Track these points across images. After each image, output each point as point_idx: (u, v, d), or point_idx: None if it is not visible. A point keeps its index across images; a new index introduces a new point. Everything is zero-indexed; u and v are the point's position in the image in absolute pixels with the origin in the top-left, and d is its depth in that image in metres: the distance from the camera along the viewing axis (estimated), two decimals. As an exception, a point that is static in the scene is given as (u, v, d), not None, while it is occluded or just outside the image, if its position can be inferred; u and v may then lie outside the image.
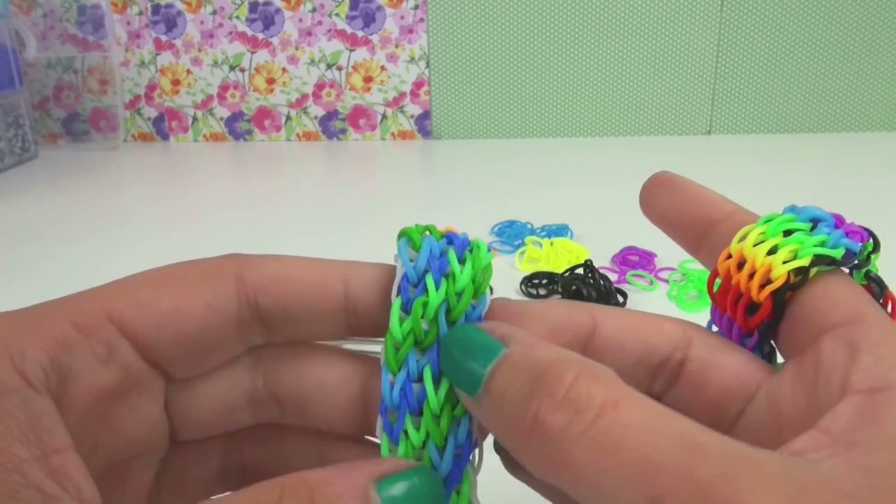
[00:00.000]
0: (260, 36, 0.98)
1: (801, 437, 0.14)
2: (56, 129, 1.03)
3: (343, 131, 1.01)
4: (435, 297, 0.17)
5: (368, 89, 0.99)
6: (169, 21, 0.98)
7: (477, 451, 0.18)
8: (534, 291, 0.52)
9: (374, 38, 0.97)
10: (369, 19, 0.96)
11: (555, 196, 0.75)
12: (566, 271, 0.52)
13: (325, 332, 0.19)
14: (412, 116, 0.99)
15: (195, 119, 1.02)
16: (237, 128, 1.02)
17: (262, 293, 0.18)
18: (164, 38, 0.99)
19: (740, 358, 0.19)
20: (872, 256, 0.19)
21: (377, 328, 0.19)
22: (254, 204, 0.77)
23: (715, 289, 0.19)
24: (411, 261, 0.18)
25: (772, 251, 0.18)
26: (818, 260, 0.18)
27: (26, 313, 0.16)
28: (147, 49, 1.00)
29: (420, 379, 0.17)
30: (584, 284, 0.49)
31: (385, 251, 0.64)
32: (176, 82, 1.01)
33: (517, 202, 0.73)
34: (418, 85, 0.98)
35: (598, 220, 0.66)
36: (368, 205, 0.76)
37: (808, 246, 0.18)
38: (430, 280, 0.17)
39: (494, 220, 0.65)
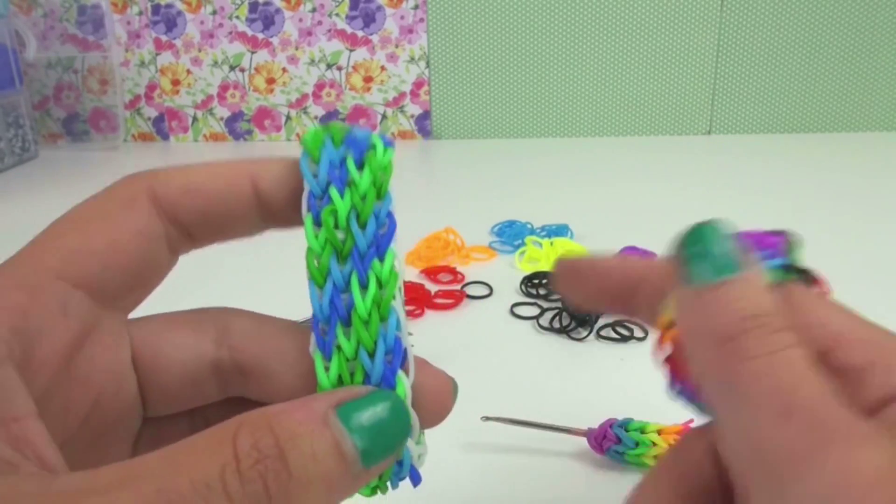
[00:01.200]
0: (260, 36, 0.98)
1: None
2: (56, 129, 1.03)
3: (343, 131, 1.01)
4: (342, 206, 0.18)
5: (368, 89, 0.99)
6: (169, 21, 0.98)
7: (410, 358, 0.18)
8: (534, 291, 0.52)
9: (374, 38, 0.97)
10: (369, 19, 0.96)
11: (555, 196, 0.75)
12: (566, 271, 0.52)
13: (243, 230, 0.20)
14: (412, 116, 0.99)
15: (195, 119, 1.02)
16: (237, 128, 1.02)
17: (179, 206, 0.18)
18: (164, 38, 0.99)
19: None
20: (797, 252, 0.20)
21: (291, 220, 0.19)
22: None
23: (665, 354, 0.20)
24: (314, 176, 0.18)
25: None
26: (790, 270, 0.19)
27: None
28: (147, 49, 1.00)
29: (347, 289, 0.18)
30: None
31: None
32: (176, 82, 1.01)
33: (517, 202, 0.73)
34: (418, 85, 0.98)
35: (598, 219, 0.66)
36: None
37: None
38: (333, 191, 0.18)
39: (494, 220, 0.65)
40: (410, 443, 0.17)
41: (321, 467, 0.15)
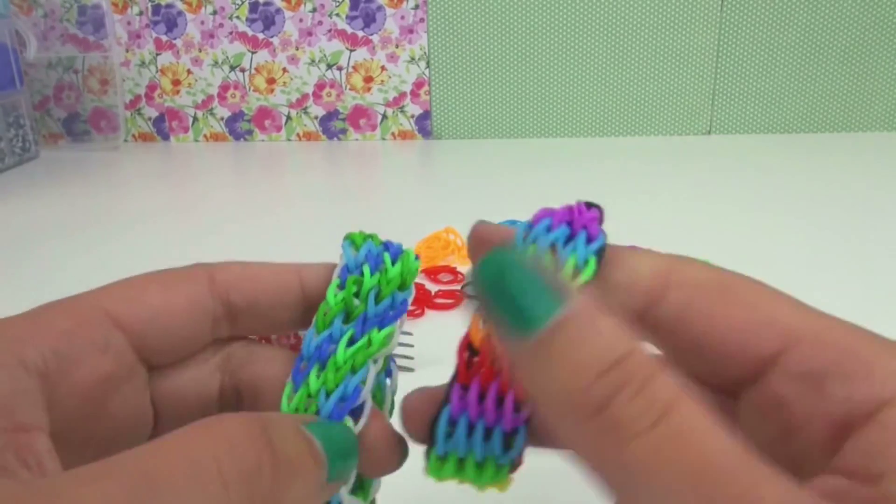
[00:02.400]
0: (260, 36, 0.98)
1: (814, 483, 0.13)
2: (57, 129, 1.04)
3: (343, 131, 1.01)
4: (368, 280, 0.20)
5: (369, 89, 0.99)
6: (169, 21, 0.98)
7: (366, 411, 0.19)
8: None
9: (375, 38, 0.97)
10: (369, 19, 0.96)
11: (555, 196, 0.75)
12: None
13: (284, 322, 0.21)
14: (412, 116, 0.99)
15: (195, 119, 1.02)
16: (237, 128, 1.02)
17: (233, 290, 0.20)
18: (164, 38, 0.99)
19: (742, 313, 0.17)
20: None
21: None
22: (254, 204, 0.77)
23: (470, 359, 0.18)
24: (353, 255, 0.21)
25: None
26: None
27: (30, 314, 0.17)
28: (147, 49, 1.00)
29: (338, 341, 0.19)
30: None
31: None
32: (176, 82, 1.01)
33: (517, 202, 0.73)
34: (418, 85, 0.98)
35: (599, 219, 0.66)
36: (368, 205, 0.76)
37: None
38: (366, 269, 0.20)
39: (494, 220, 0.65)
40: (344, 492, 0.18)
41: (301, 464, 0.15)
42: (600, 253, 0.17)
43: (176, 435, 0.14)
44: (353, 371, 0.19)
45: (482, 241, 0.19)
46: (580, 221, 0.18)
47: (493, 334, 0.15)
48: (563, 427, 0.14)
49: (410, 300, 0.21)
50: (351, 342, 0.19)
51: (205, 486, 0.13)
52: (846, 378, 0.14)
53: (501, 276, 0.14)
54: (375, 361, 0.19)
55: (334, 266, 0.21)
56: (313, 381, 0.19)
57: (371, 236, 0.21)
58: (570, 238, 0.17)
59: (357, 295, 0.20)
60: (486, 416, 0.17)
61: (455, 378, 0.17)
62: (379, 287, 0.20)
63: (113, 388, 0.18)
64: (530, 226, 0.18)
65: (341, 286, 0.20)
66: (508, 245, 0.15)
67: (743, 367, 0.16)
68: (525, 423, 0.17)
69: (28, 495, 0.13)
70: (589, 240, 0.17)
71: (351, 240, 0.21)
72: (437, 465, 0.18)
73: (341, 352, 0.19)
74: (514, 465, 0.18)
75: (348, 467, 0.17)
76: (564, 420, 0.13)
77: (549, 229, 0.18)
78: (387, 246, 0.21)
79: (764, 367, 0.15)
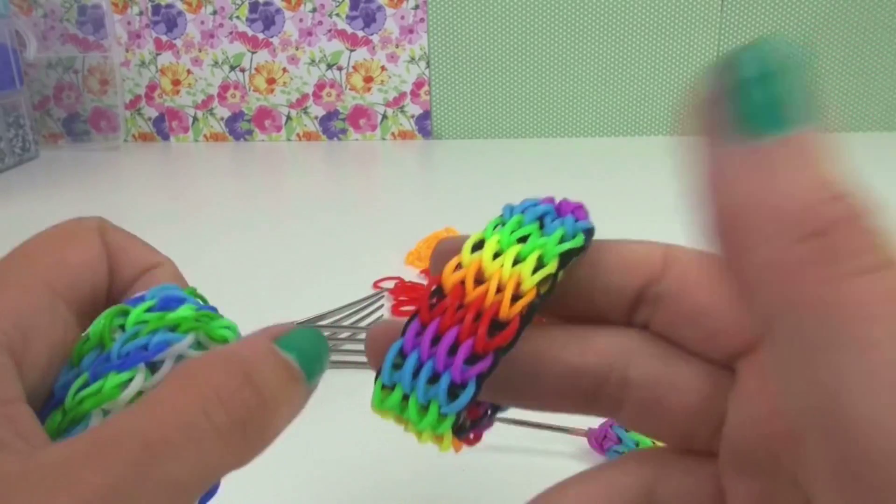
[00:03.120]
0: (260, 36, 0.98)
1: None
2: (56, 129, 1.04)
3: (343, 131, 1.01)
4: (136, 313, 0.18)
5: (369, 89, 0.99)
6: (169, 21, 0.98)
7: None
8: (534, 291, 0.52)
9: (375, 38, 0.97)
10: (369, 19, 0.96)
11: (555, 196, 0.75)
12: (566, 271, 0.52)
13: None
14: (412, 116, 0.99)
15: (195, 119, 1.02)
16: (237, 128, 1.02)
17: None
18: (164, 38, 0.99)
19: (692, 367, 0.17)
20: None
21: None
22: (254, 204, 0.77)
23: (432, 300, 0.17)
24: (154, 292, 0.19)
25: (515, 261, 0.17)
26: (565, 258, 0.17)
27: None
28: (147, 49, 1.00)
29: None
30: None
31: (384, 250, 0.64)
32: (176, 82, 1.01)
33: (517, 202, 0.73)
34: (418, 85, 0.98)
35: (598, 220, 0.65)
36: (369, 205, 0.76)
37: (551, 247, 0.17)
38: (144, 304, 0.19)
39: (495, 220, 0.65)
40: None
41: (286, 392, 0.16)
42: (588, 232, 0.18)
43: (162, 394, 0.15)
44: (74, 421, 0.16)
45: (444, 257, 0.18)
46: (567, 208, 0.18)
47: (705, 136, 0.12)
48: (763, 247, 0.11)
49: (178, 347, 0.17)
50: (86, 385, 0.17)
51: (201, 443, 0.14)
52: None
53: (775, 61, 0.12)
54: (106, 412, 0.17)
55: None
56: (53, 420, 0.17)
57: (196, 294, 0.19)
58: (557, 217, 0.18)
59: (121, 328, 0.18)
60: (436, 360, 0.16)
61: (415, 314, 0.17)
62: (144, 325, 0.17)
63: (66, 352, 0.18)
64: (513, 209, 0.18)
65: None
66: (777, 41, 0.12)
67: (743, 336, 0.16)
68: (476, 380, 0.16)
69: (30, 477, 0.13)
70: (576, 220, 0.18)
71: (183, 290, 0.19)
72: (382, 396, 0.17)
73: (69, 398, 0.17)
74: (462, 426, 0.17)
75: (323, 366, 0.17)
76: (770, 240, 0.11)
77: (536, 205, 0.18)
78: (210, 307, 0.19)
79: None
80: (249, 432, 0.15)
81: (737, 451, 0.16)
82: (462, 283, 0.17)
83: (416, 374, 0.16)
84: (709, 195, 0.12)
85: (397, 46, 0.97)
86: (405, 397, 0.17)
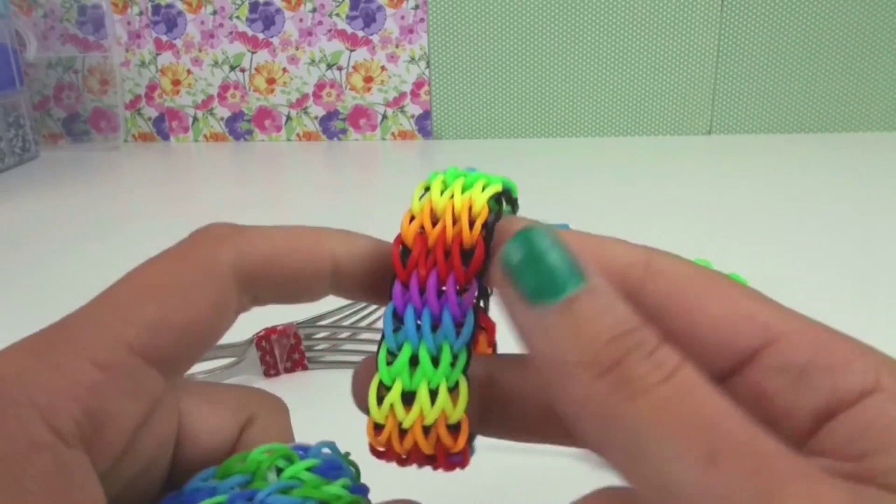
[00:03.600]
0: (260, 36, 0.98)
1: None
2: (56, 129, 1.04)
3: (343, 131, 1.01)
4: (296, 466, 0.18)
5: (369, 89, 0.99)
6: (169, 21, 0.98)
7: None
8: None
9: (375, 38, 0.97)
10: (369, 19, 0.96)
11: (555, 196, 0.75)
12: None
13: (309, 299, 0.19)
14: (412, 116, 0.99)
15: (195, 119, 1.02)
16: (237, 128, 1.02)
17: (258, 280, 0.18)
18: (164, 38, 0.99)
19: (722, 307, 0.17)
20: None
21: (358, 296, 0.20)
22: (254, 204, 0.77)
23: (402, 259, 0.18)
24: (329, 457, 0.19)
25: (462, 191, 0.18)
26: (506, 187, 0.18)
27: (40, 352, 0.15)
28: (147, 49, 1.00)
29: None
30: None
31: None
32: (176, 82, 1.01)
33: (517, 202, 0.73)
34: (418, 85, 0.98)
35: (599, 219, 0.66)
36: (369, 205, 0.76)
37: (493, 176, 0.18)
38: (313, 461, 0.18)
39: (495, 220, 0.65)
40: None
41: None
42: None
43: None
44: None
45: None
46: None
47: (507, 307, 0.15)
48: (573, 387, 0.14)
49: None
50: None
51: None
52: (828, 370, 0.15)
53: (534, 246, 0.15)
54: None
55: (371, 242, 0.19)
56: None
57: (350, 462, 0.19)
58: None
59: (278, 470, 0.17)
60: (430, 306, 0.17)
61: (393, 278, 0.18)
62: (299, 483, 0.17)
63: (145, 427, 0.16)
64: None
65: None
66: (535, 225, 0.15)
67: (722, 361, 0.16)
68: (472, 308, 0.17)
69: None
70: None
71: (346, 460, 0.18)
72: (388, 366, 0.17)
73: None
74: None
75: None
76: (576, 380, 0.14)
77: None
78: (361, 487, 0.18)
79: (743, 362, 0.16)
80: None
81: None
82: (421, 230, 0.17)
83: (418, 326, 0.17)
84: (525, 349, 0.15)
85: (397, 46, 0.97)
86: (413, 359, 0.17)
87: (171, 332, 0.16)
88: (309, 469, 0.17)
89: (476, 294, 0.17)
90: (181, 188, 0.85)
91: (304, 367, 0.43)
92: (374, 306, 0.48)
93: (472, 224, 0.17)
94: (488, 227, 0.17)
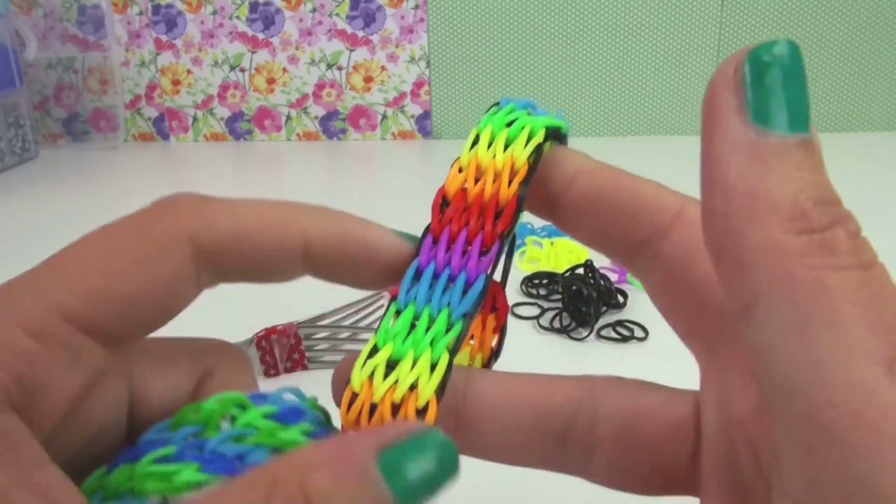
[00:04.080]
0: (260, 36, 0.98)
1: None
2: (56, 129, 1.03)
3: (343, 131, 1.01)
4: (250, 413, 0.17)
5: (369, 89, 0.99)
6: (169, 21, 0.98)
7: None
8: (534, 291, 0.52)
9: (375, 38, 0.97)
10: (369, 19, 0.96)
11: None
12: (566, 271, 0.52)
13: (280, 278, 0.18)
14: (412, 116, 0.99)
15: (195, 119, 1.02)
16: (237, 128, 1.02)
17: (222, 255, 0.17)
18: (164, 38, 0.99)
19: (660, 394, 0.17)
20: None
21: (333, 277, 0.18)
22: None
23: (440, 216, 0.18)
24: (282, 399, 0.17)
25: (506, 145, 0.18)
26: (549, 133, 0.18)
27: None
28: (147, 49, 1.00)
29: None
30: (585, 284, 0.49)
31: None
32: (176, 82, 1.01)
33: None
34: (418, 85, 0.98)
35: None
36: (369, 205, 0.76)
37: (538, 123, 0.18)
38: (264, 407, 0.17)
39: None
40: None
41: (332, 471, 0.13)
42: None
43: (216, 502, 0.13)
44: (132, 493, 0.15)
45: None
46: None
47: (712, 114, 0.13)
48: (764, 232, 0.13)
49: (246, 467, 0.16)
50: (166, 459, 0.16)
51: None
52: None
53: (794, 65, 0.13)
54: (165, 501, 0.16)
55: (345, 220, 0.19)
56: (121, 474, 0.16)
57: (316, 407, 0.17)
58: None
59: (232, 419, 0.16)
60: (451, 264, 0.17)
61: (427, 230, 0.18)
62: (253, 431, 0.16)
63: (85, 398, 0.16)
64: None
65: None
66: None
67: (722, 322, 0.16)
68: (486, 275, 0.17)
69: None
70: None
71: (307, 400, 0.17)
72: (388, 329, 0.17)
73: (144, 462, 0.16)
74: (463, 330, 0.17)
75: (435, 489, 0.14)
76: (773, 226, 0.12)
77: (527, 102, 0.18)
78: (327, 429, 0.17)
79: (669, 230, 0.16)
80: None
81: (720, 464, 0.16)
82: (463, 186, 0.18)
83: (432, 285, 0.17)
84: (709, 176, 0.14)
85: (397, 46, 0.97)
86: (415, 318, 0.17)
87: (113, 302, 0.15)
88: (266, 416, 0.16)
89: (497, 254, 0.17)
90: (181, 188, 0.84)
91: (304, 367, 0.43)
92: (374, 306, 0.48)
93: (510, 181, 0.17)
94: (526, 182, 0.17)
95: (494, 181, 0.17)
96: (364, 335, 0.45)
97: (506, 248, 0.18)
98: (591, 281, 0.49)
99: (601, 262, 0.56)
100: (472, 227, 0.17)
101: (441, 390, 0.16)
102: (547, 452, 0.18)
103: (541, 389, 0.17)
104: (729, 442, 0.16)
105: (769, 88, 0.13)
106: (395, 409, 0.16)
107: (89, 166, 0.93)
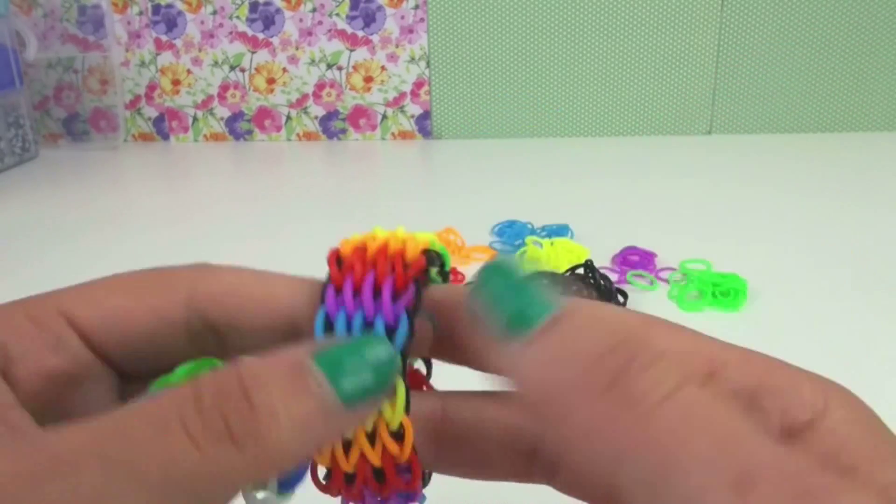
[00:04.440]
0: (260, 36, 0.98)
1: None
2: (56, 129, 1.03)
3: (343, 131, 1.01)
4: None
5: (369, 89, 0.99)
6: (169, 21, 0.98)
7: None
8: (534, 291, 0.52)
9: (375, 38, 0.97)
10: (369, 19, 0.96)
11: (555, 196, 0.75)
12: (567, 271, 0.52)
13: (271, 342, 0.18)
14: (412, 116, 0.99)
15: (195, 119, 1.02)
16: (237, 128, 1.02)
17: (212, 306, 0.18)
18: (164, 38, 0.99)
19: (666, 342, 0.16)
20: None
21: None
22: (254, 204, 0.77)
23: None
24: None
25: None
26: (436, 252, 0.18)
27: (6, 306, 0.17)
28: (147, 49, 1.00)
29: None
30: (585, 284, 0.49)
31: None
32: (176, 82, 1.01)
33: (517, 202, 0.73)
34: (418, 85, 0.98)
35: (598, 219, 0.66)
36: (369, 205, 0.76)
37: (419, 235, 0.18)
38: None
39: (495, 219, 0.65)
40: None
41: (289, 402, 0.14)
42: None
43: (148, 398, 0.14)
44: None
45: None
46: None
47: (484, 345, 0.15)
48: (576, 413, 0.13)
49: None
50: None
51: (171, 445, 0.13)
52: (778, 392, 0.14)
53: (509, 273, 0.15)
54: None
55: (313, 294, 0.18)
56: None
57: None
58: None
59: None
60: (364, 308, 0.16)
61: (327, 280, 0.17)
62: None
63: (69, 387, 0.17)
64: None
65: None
66: (505, 256, 0.15)
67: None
68: (406, 314, 0.16)
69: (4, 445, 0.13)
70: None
71: None
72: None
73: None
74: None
75: (368, 385, 0.15)
76: (577, 404, 0.13)
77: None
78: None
79: None
80: (242, 441, 0.14)
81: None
82: (362, 245, 0.17)
83: (348, 329, 0.16)
84: (511, 381, 0.14)
85: (397, 46, 0.97)
86: None
87: (102, 311, 0.18)
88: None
89: (414, 297, 0.16)
90: (181, 188, 0.85)
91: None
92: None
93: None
94: (427, 258, 0.17)
95: (393, 250, 0.17)
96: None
97: (419, 306, 0.17)
98: (592, 281, 0.49)
99: (601, 261, 0.56)
100: (380, 271, 0.17)
101: (407, 409, 0.16)
102: (518, 469, 0.18)
103: (511, 410, 0.18)
104: None
105: (501, 305, 0.14)
106: (371, 439, 0.16)
107: (89, 166, 0.93)
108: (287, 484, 0.17)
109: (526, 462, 0.18)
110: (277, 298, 0.18)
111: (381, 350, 0.16)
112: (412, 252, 0.17)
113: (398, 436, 0.16)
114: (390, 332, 0.16)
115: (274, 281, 0.18)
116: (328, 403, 0.15)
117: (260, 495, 0.17)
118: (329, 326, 0.16)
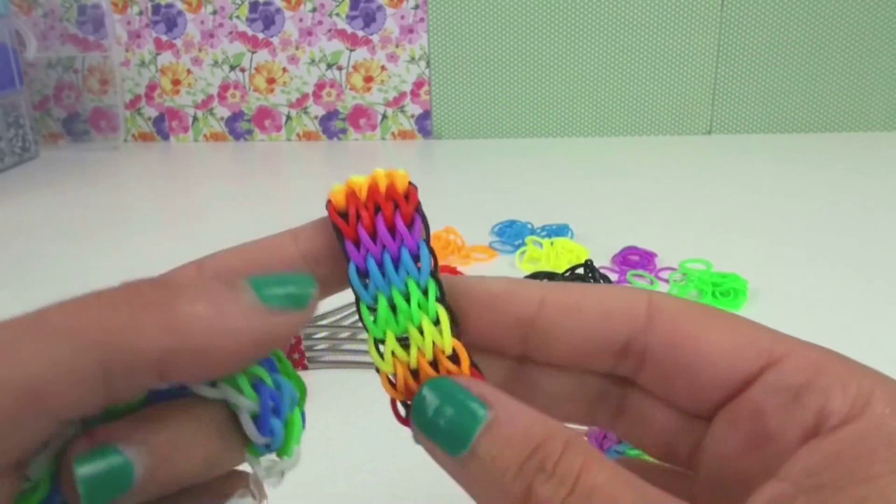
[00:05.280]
0: (260, 36, 0.98)
1: (764, 489, 0.15)
2: (56, 128, 1.03)
3: (343, 131, 1.01)
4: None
5: (369, 89, 0.99)
6: (169, 21, 0.98)
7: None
8: (534, 291, 0.52)
9: (375, 38, 0.97)
10: (369, 19, 0.96)
11: (555, 196, 0.75)
12: (567, 271, 0.52)
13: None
14: (412, 116, 0.99)
15: (195, 119, 1.02)
16: (237, 128, 1.02)
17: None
18: (164, 37, 0.99)
19: (725, 335, 0.18)
20: None
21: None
22: (254, 204, 0.77)
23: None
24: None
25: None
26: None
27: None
28: (147, 49, 1.00)
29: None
30: (585, 284, 0.49)
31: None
32: (176, 82, 1.01)
33: (517, 202, 0.73)
34: (418, 85, 0.98)
35: (598, 219, 0.66)
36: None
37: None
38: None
39: (495, 219, 0.65)
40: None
41: (197, 283, 0.15)
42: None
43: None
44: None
45: None
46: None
47: (437, 462, 0.17)
48: None
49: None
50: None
51: (101, 308, 0.14)
52: (822, 391, 0.16)
53: (427, 414, 0.16)
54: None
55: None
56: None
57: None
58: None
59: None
60: (388, 249, 0.17)
61: (341, 239, 0.18)
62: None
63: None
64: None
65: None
66: (425, 386, 0.17)
67: (728, 384, 0.17)
68: (425, 241, 0.18)
69: None
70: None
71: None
72: (372, 321, 0.18)
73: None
74: (442, 297, 0.18)
75: (286, 290, 0.16)
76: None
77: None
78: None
79: (747, 384, 0.17)
80: (148, 310, 0.14)
81: (712, 477, 0.17)
82: (352, 191, 0.18)
83: (382, 271, 0.17)
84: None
85: (397, 46, 0.97)
86: (391, 305, 0.17)
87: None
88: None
89: (423, 224, 0.18)
90: (181, 188, 0.85)
91: (304, 367, 0.43)
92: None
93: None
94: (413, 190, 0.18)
95: (383, 182, 0.18)
96: (363, 335, 0.45)
97: (429, 231, 0.18)
98: (592, 280, 0.49)
99: (601, 261, 0.56)
100: (387, 212, 0.18)
101: (458, 334, 0.17)
102: (601, 361, 0.19)
103: (608, 299, 0.19)
104: (722, 466, 0.17)
105: (435, 437, 0.16)
106: (434, 365, 0.17)
107: (89, 166, 0.93)
108: (275, 434, 0.17)
109: (616, 357, 0.18)
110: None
111: (300, 274, 0.17)
112: (402, 185, 0.18)
113: (454, 359, 0.17)
114: (415, 259, 0.17)
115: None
116: (247, 297, 0.15)
117: (264, 461, 0.17)
118: (362, 275, 0.17)
